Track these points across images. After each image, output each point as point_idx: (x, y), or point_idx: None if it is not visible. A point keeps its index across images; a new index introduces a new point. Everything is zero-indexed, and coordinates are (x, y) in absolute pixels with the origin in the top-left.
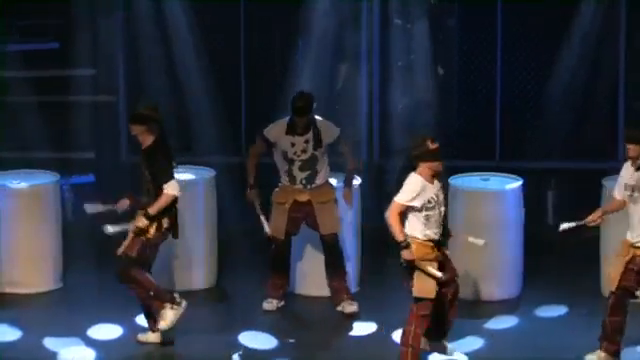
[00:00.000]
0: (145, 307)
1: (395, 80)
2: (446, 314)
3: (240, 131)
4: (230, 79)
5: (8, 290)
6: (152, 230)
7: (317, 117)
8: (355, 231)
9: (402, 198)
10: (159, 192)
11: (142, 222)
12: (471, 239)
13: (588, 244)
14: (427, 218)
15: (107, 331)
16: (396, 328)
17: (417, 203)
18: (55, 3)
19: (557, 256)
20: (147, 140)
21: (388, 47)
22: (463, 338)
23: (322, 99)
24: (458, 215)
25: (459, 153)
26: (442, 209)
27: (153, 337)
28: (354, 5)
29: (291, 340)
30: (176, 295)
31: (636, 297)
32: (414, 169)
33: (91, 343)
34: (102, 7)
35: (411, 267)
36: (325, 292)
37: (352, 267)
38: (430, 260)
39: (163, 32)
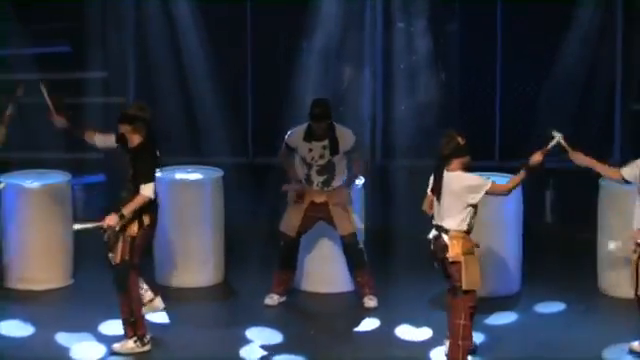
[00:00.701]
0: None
1: (398, 82)
2: None
3: (247, 132)
4: (237, 80)
5: (21, 287)
6: (135, 228)
7: (335, 124)
8: (359, 231)
9: (488, 181)
10: (136, 192)
11: (113, 220)
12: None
13: (585, 242)
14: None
15: (118, 327)
16: (399, 324)
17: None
18: (67, 8)
19: (555, 254)
20: (134, 139)
21: (391, 49)
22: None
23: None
24: None
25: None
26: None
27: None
28: (358, 7)
29: (311, 332)
30: (148, 337)
31: None
32: (441, 167)
33: (102, 339)
34: (113, 12)
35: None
36: (329, 289)
37: None
38: (474, 253)
39: (172, 35)
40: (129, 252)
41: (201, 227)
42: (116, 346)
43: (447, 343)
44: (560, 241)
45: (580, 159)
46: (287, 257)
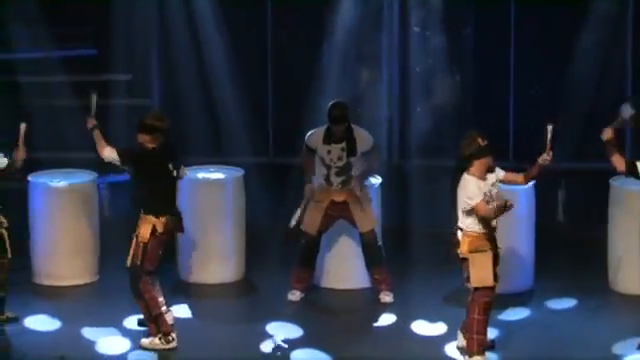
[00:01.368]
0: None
1: (414, 84)
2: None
3: (268, 132)
4: (258, 80)
5: (48, 283)
6: (147, 234)
7: (354, 126)
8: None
9: (478, 200)
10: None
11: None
12: None
13: (596, 241)
14: None
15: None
16: (414, 320)
17: None
18: (93, 12)
19: (567, 252)
20: (150, 146)
21: (407, 52)
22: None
23: (346, 102)
24: None
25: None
26: (494, 203)
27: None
28: (375, 11)
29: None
30: (173, 335)
31: None
32: (462, 168)
33: (127, 333)
34: (137, 16)
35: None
36: (348, 285)
37: None
38: (484, 251)
39: (194, 37)
40: (140, 257)
41: (223, 225)
42: (144, 341)
43: (460, 336)
44: (572, 240)
45: (608, 133)
46: (308, 255)
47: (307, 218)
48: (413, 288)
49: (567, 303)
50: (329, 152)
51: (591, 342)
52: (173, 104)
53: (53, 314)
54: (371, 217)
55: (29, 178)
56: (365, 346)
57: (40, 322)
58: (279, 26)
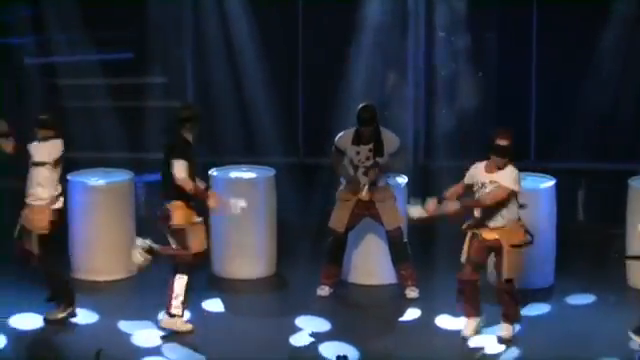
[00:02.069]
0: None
1: (439, 87)
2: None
3: (297, 132)
4: (289, 81)
5: (86, 277)
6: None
7: (381, 128)
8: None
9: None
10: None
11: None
12: None
13: (615, 239)
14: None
15: None
16: (438, 314)
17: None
18: (130, 17)
19: (587, 250)
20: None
21: (433, 56)
22: (500, 323)
23: (374, 104)
24: None
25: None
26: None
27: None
28: (401, 17)
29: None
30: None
31: None
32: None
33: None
34: (172, 20)
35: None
36: (374, 281)
37: None
38: (520, 246)
39: (226, 39)
40: (186, 242)
41: (255, 223)
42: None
43: (503, 326)
44: (591, 238)
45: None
46: (335, 251)
47: (335, 216)
48: (437, 283)
49: (586, 299)
50: (358, 153)
51: (609, 336)
52: (207, 105)
53: (91, 308)
54: (397, 215)
55: (68, 177)
56: (391, 339)
57: (79, 315)
58: (310, 23)
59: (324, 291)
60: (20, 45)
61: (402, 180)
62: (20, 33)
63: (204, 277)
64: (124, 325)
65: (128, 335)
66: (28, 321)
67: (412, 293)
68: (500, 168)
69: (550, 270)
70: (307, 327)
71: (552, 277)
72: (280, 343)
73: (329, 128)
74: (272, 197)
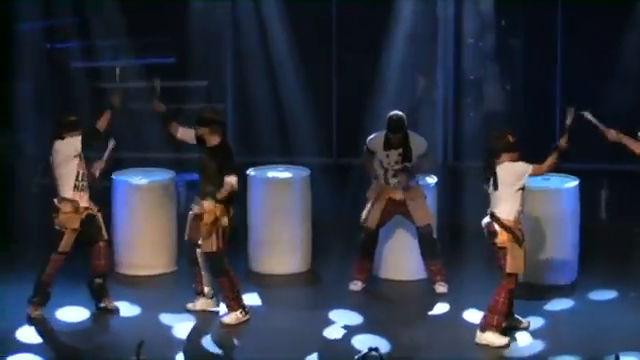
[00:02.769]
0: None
1: (467, 91)
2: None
3: (332, 133)
4: (324, 83)
5: (129, 272)
6: (226, 219)
7: (410, 132)
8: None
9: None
10: (223, 182)
11: (209, 205)
12: None
13: (638, 236)
14: (522, 199)
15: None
16: (466, 309)
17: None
18: (170, 22)
19: (610, 247)
20: (212, 140)
21: (461, 62)
22: (526, 318)
23: (404, 106)
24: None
25: (522, 155)
26: None
27: (200, 304)
28: (432, 23)
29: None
30: (247, 307)
31: None
32: (491, 159)
33: (202, 319)
34: (212, 25)
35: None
36: (405, 276)
37: None
38: (518, 241)
39: (263, 42)
40: (222, 241)
41: (290, 220)
42: (226, 319)
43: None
44: (614, 235)
45: (612, 135)
46: (367, 247)
47: (366, 213)
48: (465, 279)
49: (609, 295)
50: (387, 156)
51: (630, 331)
52: (245, 107)
53: (134, 301)
54: (427, 212)
55: (112, 176)
56: (421, 333)
57: (122, 308)
58: (344, 25)
59: (356, 286)
60: (67, 50)
61: (432, 180)
62: (67, 38)
63: (242, 272)
64: (165, 318)
65: (169, 327)
66: (72, 314)
67: (441, 288)
68: None
69: (574, 267)
70: (340, 320)
71: (576, 274)
72: (314, 335)
73: (361, 129)
74: (307, 196)
